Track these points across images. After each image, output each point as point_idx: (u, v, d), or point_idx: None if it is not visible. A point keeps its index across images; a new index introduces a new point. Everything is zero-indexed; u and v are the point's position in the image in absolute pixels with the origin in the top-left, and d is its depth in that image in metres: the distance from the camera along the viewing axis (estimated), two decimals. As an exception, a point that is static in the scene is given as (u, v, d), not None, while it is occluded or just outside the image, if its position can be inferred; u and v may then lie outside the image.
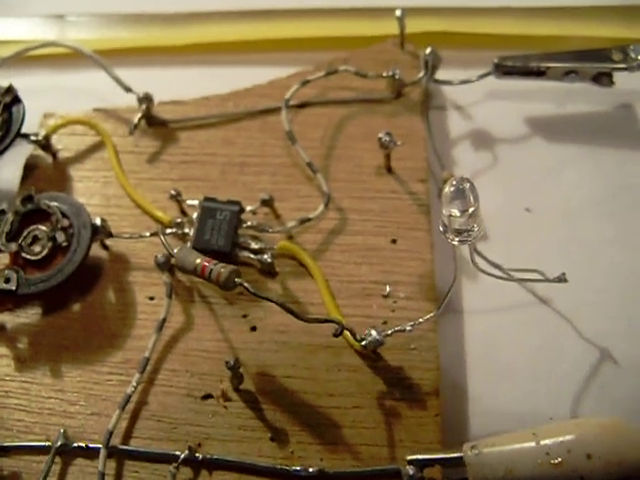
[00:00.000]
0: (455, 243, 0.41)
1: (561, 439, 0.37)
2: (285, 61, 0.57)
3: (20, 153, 0.53)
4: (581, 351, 0.46)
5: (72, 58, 0.57)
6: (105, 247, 0.50)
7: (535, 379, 0.46)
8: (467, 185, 0.40)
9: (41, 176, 0.53)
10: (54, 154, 0.54)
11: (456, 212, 0.40)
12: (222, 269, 0.42)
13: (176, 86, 0.56)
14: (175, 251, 0.45)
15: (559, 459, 0.37)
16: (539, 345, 0.47)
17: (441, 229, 0.42)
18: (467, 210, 0.40)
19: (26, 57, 0.56)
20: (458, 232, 0.41)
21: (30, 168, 0.54)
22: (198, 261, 0.43)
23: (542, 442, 0.38)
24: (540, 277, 0.46)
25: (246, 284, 0.41)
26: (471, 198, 0.40)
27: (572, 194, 0.51)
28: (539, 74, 0.52)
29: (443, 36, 0.56)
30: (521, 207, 0.51)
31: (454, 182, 0.40)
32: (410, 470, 0.40)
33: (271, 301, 0.41)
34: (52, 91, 0.59)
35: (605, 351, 0.46)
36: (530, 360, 0.46)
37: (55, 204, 0.48)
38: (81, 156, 0.54)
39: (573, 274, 0.46)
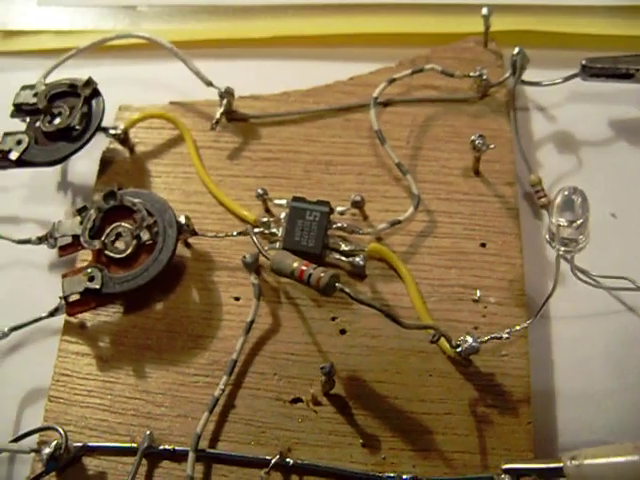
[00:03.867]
0: (561, 252, 0.41)
1: (666, 455, 0.37)
2: (364, 57, 0.56)
3: (94, 146, 0.52)
4: (670, 360, 0.46)
5: (142, 49, 0.57)
6: (188, 245, 0.49)
7: (623, 388, 0.45)
8: (578, 197, 0.40)
9: (118, 170, 0.52)
10: (131, 148, 0.53)
11: (564, 222, 0.40)
12: (322, 273, 0.41)
13: (251, 80, 0.55)
14: (269, 252, 0.44)
15: (663, 475, 0.37)
16: (627, 353, 0.46)
17: (547, 237, 0.41)
18: (576, 221, 0.40)
19: (99, 47, 0.54)
20: (565, 242, 0.41)
21: (107, 162, 0.53)
22: (295, 265, 0.42)
23: (646, 457, 0.37)
24: (630, 285, 0.46)
25: (347, 289, 0.40)
26: (581, 210, 0.40)
27: (659, 200, 0.50)
28: (627, 77, 0.51)
29: (525, 35, 0.55)
30: (606, 212, 0.50)
31: (566, 192, 0.40)
32: (506, 479, 0.40)
33: (373, 307, 0.40)
34: (124, 83, 0.58)
35: (696, 361, 0.46)
36: (618, 369, 0.46)
37: (139, 201, 0.47)
38: (159, 151, 0.53)
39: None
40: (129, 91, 0.56)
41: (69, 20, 0.61)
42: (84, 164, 0.54)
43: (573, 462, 0.39)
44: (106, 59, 0.58)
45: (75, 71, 0.53)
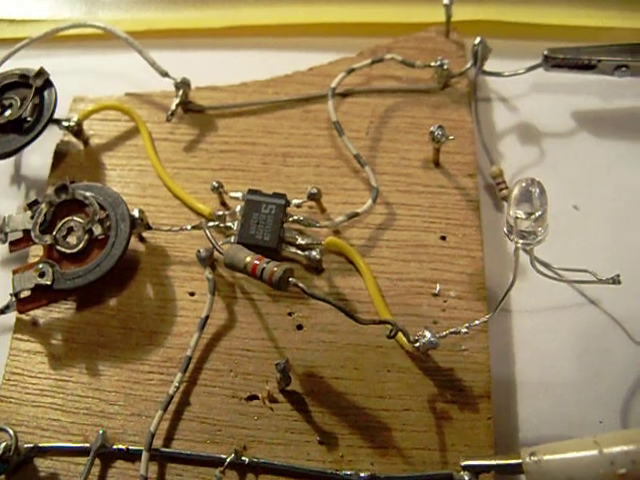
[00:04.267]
0: (519, 245, 0.40)
1: (626, 449, 0.36)
2: (324, 46, 0.56)
3: (47, 139, 0.51)
4: (630, 353, 0.45)
5: (99, 39, 0.55)
6: (142, 239, 0.48)
7: (584, 381, 0.45)
8: (536, 188, 0.39)
9: (72, 163, 0.51)
10: (85, 140, 0.52)
11: (522, 214, 0.39)
12: (275, 268, 0.40)
13: (209, 70, 0.55)
14: (222, 246, 0.44)
15: (624, 470, 0.36)
16: (587, 347, 0.46)
17: (505, 230, 0.41)
18: (534, 213, 0.39)
19: (53, 37, 0.53)
20: (523, 235, 0.40)
21: (60, 155, 0.52)
22: (248, 259, 0.41)
23: (605, 451, 0.37)
24: (592, 277, 0.45)
25: (301, 284, 0.40)
26: (539, 202, 0.39)
27: (621, 192, 0.50)
28: (589, 67, 0.51)
29: (487, 25, 0.54)
30: (569, 204, 0.50)
31: (523, 184, 0.39)
32: (465, 476, 0.39)
33: (328, 302, 0.40)
34: (78, 73, 0.56)
35: (655, 354, 0.45)
36: (578, 362, 0.45)
37: (91, 194, 0.46)
38: (114, 143, 0.52)
39: (622, 274, 0.45)
40: (84, 82, 0.55)
41: (25, 9, 0.59)
42: (37, 157, 0.53)
43: (532, 458, 0.38)
44: (60, 49, 0.57)
45: (29, 61, 0.51)
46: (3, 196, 0.53)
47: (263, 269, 0.40)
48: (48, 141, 0.52)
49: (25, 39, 0.53)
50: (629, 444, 0.37)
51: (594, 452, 0.37)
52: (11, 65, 0.52)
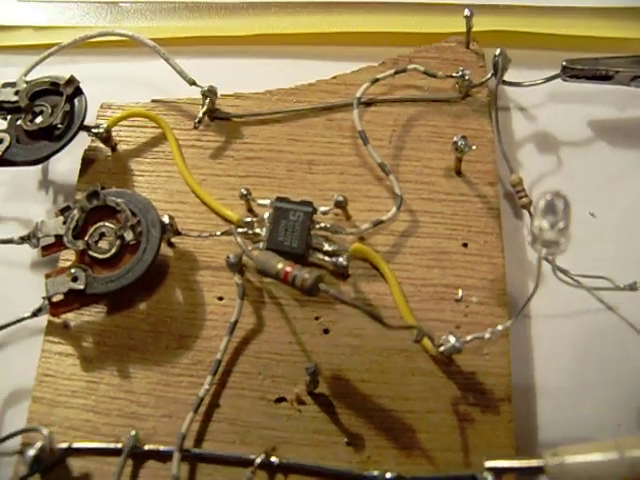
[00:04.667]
0: (542, 255, 0.42)
1: (646, 452, 0.38)
2: (347, 55, 0.57)
3: (75, 144, 0.51)
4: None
5: (125, 46, 0.56)
6: (171, 244, 0.49)
7: (601, 385, 0.46)
8: (561, 200, 0.40)
9: (100, 169, 0.52)
10: (113, 147, 0.52)
11: (546, 225, 0.40)
12: (307, 275, 0.41)
13: (234, 78, 0.55)
14: (253, 252, 0.45)
15: (644, 472, 0.37)
16: (605, 351, 0.47)
17: (529, 239, 0.42)
18: (558, 224, 0.40)
19: (79, 45, 0.54)
20: (546, 244, 0.41)
21: (88, 161, 0.52)
22: (280, 266, 0.42)
23: (626, 454, 0.38)
24: (610, 284, 0.47)
25: (332, 291, 0.41)
26: (563, 214, 0.40)
27: (638, 199, 0.51)
28: (606, 78, 0.52)
29: (507, 35, 0.55)
30: (585, 211, 0.51)
31: (549, 197, 0.40)
32: (489, 477, 0.40)
33: (358, 308, 0.41)
34: (105, 80, 0.57)
35: (672, 359, 0.46)
36: (596, 366, 0.46)
37: (122, 201, 0.47)
38: (141, 149, 0.53)
39: (638, 281, 0.46)
40: (111, 89, 0.56)
41: (50, 16, 0.60)
42: (65, 163, 0.54)
43: (555, 459, 0.39)
44: (87, 56, 0.57)
45: (56, 68, 0.52)
46: (32, 200, 0.53)
47: (295, 276, 0.41)
48: (76, 147, 0.52)
49: (50, 46, 0.54)
50: (649, 448, 0.38)
51: (615, 455, 0.38)
52: (38, 71, 0.53)
